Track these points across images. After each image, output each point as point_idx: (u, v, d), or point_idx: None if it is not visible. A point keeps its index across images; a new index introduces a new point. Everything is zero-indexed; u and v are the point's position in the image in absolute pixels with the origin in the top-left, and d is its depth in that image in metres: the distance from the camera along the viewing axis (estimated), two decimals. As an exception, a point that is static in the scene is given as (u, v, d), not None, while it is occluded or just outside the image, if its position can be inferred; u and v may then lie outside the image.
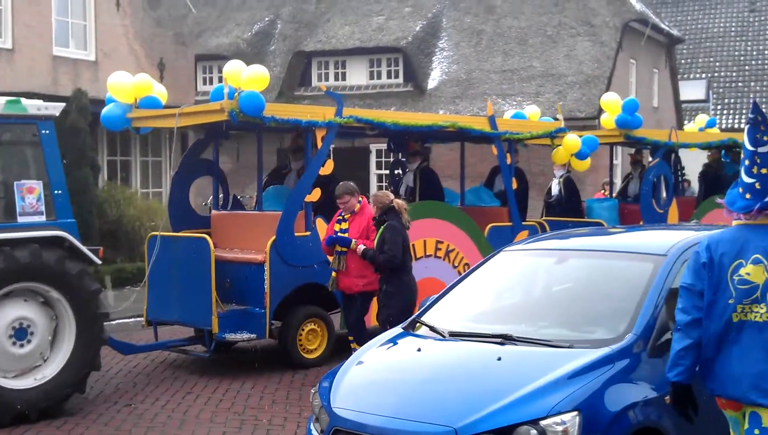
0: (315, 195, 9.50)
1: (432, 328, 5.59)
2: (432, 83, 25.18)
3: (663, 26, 27.82)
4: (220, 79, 27.09)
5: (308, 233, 9.44)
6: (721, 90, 34.63)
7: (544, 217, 13.17)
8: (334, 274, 8.65)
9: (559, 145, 12.20)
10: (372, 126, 10.08)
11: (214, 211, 10.96)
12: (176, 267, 9.34)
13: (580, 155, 12.48)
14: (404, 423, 4.60)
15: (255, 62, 28.79)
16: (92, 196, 15.03)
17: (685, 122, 32.06)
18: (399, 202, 8.31)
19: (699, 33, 36.32)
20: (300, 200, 9.43)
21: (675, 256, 5.50)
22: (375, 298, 8.64)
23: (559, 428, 4.40)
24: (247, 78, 9.18)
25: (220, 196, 11.14)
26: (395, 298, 8.00)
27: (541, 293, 5.99)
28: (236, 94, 8.89)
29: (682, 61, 34.91)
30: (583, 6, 25.13)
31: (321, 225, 9.43)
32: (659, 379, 4.87)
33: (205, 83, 27.07)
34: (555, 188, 13.41)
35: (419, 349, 5.38)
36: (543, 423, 4.41)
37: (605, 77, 23.52)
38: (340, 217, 8.67)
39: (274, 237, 9.18)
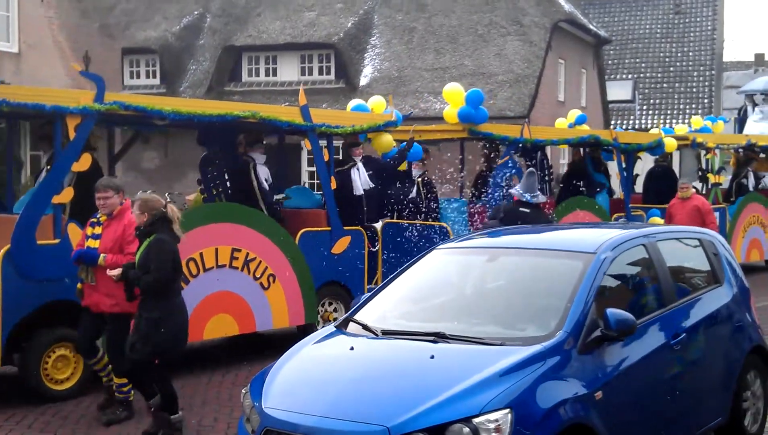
0: (66, 195, 8.01)
1: (365, 327, 5.54)
2: (364, 80, 25.17)
3: (591, 27, 28.28)
4: (148, 74, 27.19)
5: (57, 241, 7.89)
6: (646, 90, 35.41)
7: (388, 219, 11.61)
8: (79, 285, 7.35)
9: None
10: (146, 115, 8.52)
11: None
12: None
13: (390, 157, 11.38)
14: (337, 423, 4.56)
15: (184, 56, 28.54)
16: (15, 191, 14.63)
17: (612, 122, 32.68)
18: (173, 209, 6.89)
19: (625, 34, 37.07)
20: (45, 201, 7.93)
21: (604, 254, 5.57)
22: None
23: (492, 425, 4.41)
24: None
25: None
26: (166, 324, 6.65)
27: (473, 291, 5.99)
28: None
29: (609, 62, 35.59)
30: (513, 6, 25.41)
31: (74, 231, 7.86)
32: (589, 376, 4.93)
33: (132, 77, 26.66)
34: (413, 189, 12.26)
35: (352, 348, 5.33)
36: (475, 421, 4.42)
37: (535, 76, 23.82)
38: (95, 220, 7.35)
39: (7, 246, 7.64)
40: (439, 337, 5.15)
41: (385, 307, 5.90)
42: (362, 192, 10.82)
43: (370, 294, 6.10)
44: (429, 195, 12.39)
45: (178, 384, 8.43)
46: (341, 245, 10.19)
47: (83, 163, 8.09)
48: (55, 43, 19.05)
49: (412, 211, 11.67)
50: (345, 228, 10.30)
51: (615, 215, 14.08)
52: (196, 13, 27.57)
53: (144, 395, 6.97)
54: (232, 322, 9.12)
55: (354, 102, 11.79)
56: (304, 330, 9.58)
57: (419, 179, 12.31)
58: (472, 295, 5.97)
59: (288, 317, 9.64)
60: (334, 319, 9.70)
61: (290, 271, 9.55)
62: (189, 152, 18.75)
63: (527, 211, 9.72)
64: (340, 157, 11.52)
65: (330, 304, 10.24)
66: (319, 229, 10.14)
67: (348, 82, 25.16)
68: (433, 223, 11.55)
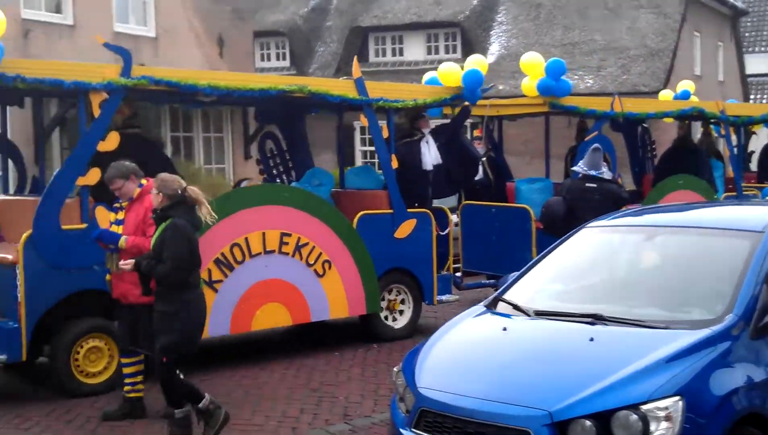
0: (92, 177, 7.46)
1: (516, 307, 5.35)
2: (491, 58, 24.69)
3: (728, -2, 27.05)
4: (278, 56, 27.55)
5: (83, 226, 7.39)
6: (787, 63, 33.66)
7: (464, 202, 11.39)
8: (108, 276, 6.82)
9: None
10: (180, 90, 7.91)
11: (0, 196, 8.86)
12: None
13: None
14: (496, 405, 4.41)
15: (312, 39, 28.81)
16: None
17: (752, 96, 31.25)
18: (194, 191, 6.25)
19: (763, 5, 35.30)
20: (68, 184, 7.44)
21: (773, 234, 5.23)
22: None
23: (661, 413, 4.18)
24: None
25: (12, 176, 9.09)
26: (181, 320, 6.05)
27: (629, 272, 5.72)
28: None
29: (747, 35, 33.98)
30: (646, -23, 24.52)
31: (102, 215, 7.33)
32: (763, 363, 4.62)
33: (263, 59, 27.05)
34: (480, 170, 11.48)
35: (505, 329, 5.16)
36: (644, 408, 4.19)
37: (670, 50, 22.97)
38: (118, 205, 6.87)
39: (29, 232, 7.20)
40: (596, 318, 4.92)
41: (535, 287, 5.70)
42: (431, 167, 9.91)
43: (518, 273, 5.90)
44: (500, 176, 11.68)
45: (322, 360, 8.54)
46: (405, 229, 9.37)
47: (110, 142, 7.49)
48: (190, 27, 19.42)
49: (477, 192, 11.25)
50: (409, 210, 9.47)
51: (725, 195, 12.99)
52: (322, -6, 27.75)
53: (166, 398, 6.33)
54: (283, 312, 8.54)
55: (428, 75, 10.70)
56: (367, 320, 9.30)
57: (483, 159, 11.41)
58: (628, 275, 5.70)
59: (347, 307, 8.98)
60: (400, 310, 9.53)
61: (348, 257, 8.89)
62: (324, 133, 19.11)
63: (594, 185, 9.38)
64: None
65: (396, 292, 9.57)
66: (380, 211, 9.37)
67: (474, 61, 24.81)
68: (513, 205, 11.13)
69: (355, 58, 9.80)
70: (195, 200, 6.20)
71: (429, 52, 25.75)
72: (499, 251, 10.79)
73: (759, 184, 14.51)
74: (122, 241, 6.51)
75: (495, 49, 25.05)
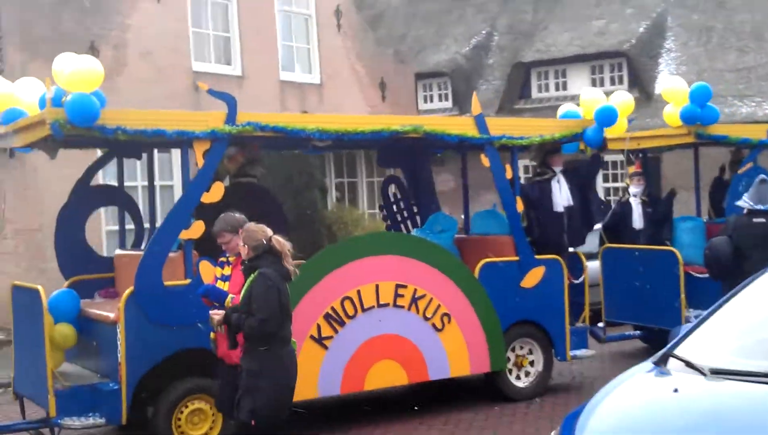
0: (195, 230, 7.25)
1: (688, 364, 4.73)
2: (659, 87, 23.78)
3: None
4: (440, 97, 27.69)
5: (187, 281, 7.22)
6: None
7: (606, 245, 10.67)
8: (212, 334, 6.45)
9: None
10: (287, 135, 7.63)
11: (117, 251, 8.84)
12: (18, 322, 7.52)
13: None
14: None
15: (473, 77, 28.71)
16: (322, 217, 15.43)
17: None
18: (279, 241, 6.00)
19: None
20: (171, 237, 7.26)
21: None
22: None
23: None
24: (73, 75, 6.87)
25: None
26: (267, 380, 5.75)
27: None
28: (64, 98, 6.80)
29: None
30: (827, -7, 22.89)
31: (207, 269, 7.11)
32: None
33: (425, 101, 27.21)
34: (636, 212, 10.67)
35: (676, 390, 4.55)
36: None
37: None
38: (224, 260, 6.64)
39: (131, 288, 7.03)
40: (786, 380, 4.30)
41: (710, 340, 5.08)
42: (563, 209, 9.34)
43: (691, 325, 5.36)
44: (654, 216, 10.79)
45: (441, 418, 8.23)
46: (533, 278, 8.80)
47: (214, 193, 7.28)
48: (353, 72, 19.84)
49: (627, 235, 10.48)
50: (538, 257, 8.88)
51: None
52: (483, 32, 27.64)
53: None
54: (399, 370, 8.06)
55: (564, 107, 9.97)
56: (492, 378, 8.74)
57: (639, 199, 10.70)
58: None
59: (469, 363, 8.41)
60: (528, 367, 8.87)
61: (469, 309, 8.37)
62: (485, 173, 18.81)
63: (762, 220, 8.54)
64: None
65: (522, 347, 8.97)
66: (505, 258, 8.77)
67: (642, 91, 23.87)
68: (658, 247, 10.26)
69: (474, 94, 9.43)
70: (280, 251, 5.97)
71: (594, 84, 25.01)
72: (645, 299, 10.17)
73: None
74: (229, 300, 6.14)
75: (664, 77, 24.02)
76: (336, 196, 19.11)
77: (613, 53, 24.53)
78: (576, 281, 9.36)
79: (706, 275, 9.98)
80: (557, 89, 25.58)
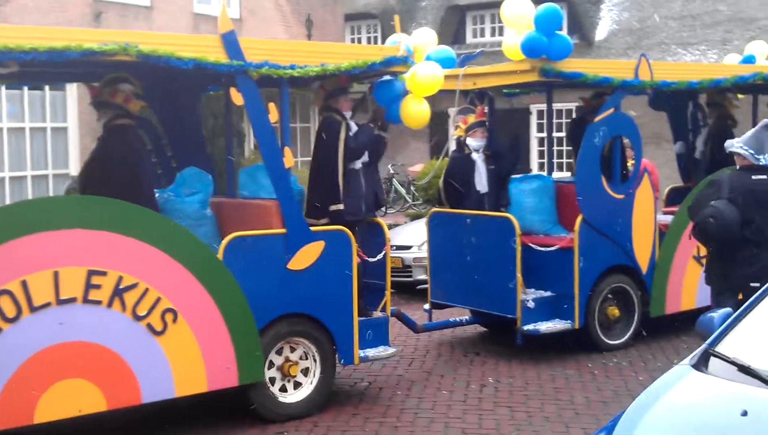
0: None
1: (749, 371, 3.64)
2: (600, 34, 22.26)
3: None
4: (369, 40, 25.66)
5: None
6: None
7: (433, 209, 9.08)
8: None
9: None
10: None
11: None
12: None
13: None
14: None
15: (405, 20, 26.84)
16: (237, 166, 14.15)
17: None
18: None
19: None
20: None
21: None
22: None
23: None
24: None
25: None
26: None
27: None
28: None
29: None
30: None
31: None
32: None
33: (353, 43, 25.40)
34: (479, 171, 8.67)
35: (745, 413, 3.41)
36: None
37: (807, 19, 19.51)
38: None
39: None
40: None
41: (765, 334, 3.98)
42: (360, 165, 7.36)
43: (736, 313, 4.20)
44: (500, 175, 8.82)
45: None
46: (307, 257, 6.58)
47: None
48: (277, 7, 18.63)
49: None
50: (316, 228, 6.77)
51: None
52: (420, -28, 25.71)
53: None
54: (92, 392, 5.72)
55: (393, 37, 7.79)
56: (246, 393, 6.49)
57: (482, 154, 8.71)
58: None
59: (206, 377, 6.15)
60: (302, 371, 6.70)
61: (208, 302, 6.12)
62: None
63: (764, 177, 6.54)
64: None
65: (294, 349, 6.72)
66: (266, 231, 6.51)
67: (583, 38, 22.23)
68: (492, 213, 8.46)
69: (223, 5, 7.39)
70: None
71: (534, 31, 23.22)
72: (476, 278, 8.45)
73: None
74: None
75: (606, 24, 22.36)
76: (255, 143, 17.62)
77: (554, -3, 22.71)
78: (372, 260, 7.33)
79: (551, 248, 8.35)
80: (493, 35, 23.74)
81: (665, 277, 8.83)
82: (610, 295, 8.59)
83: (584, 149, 8.36)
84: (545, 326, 8.19)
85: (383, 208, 21.73)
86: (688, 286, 9.00)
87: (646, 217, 8.70)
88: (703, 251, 8.87)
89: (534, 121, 21.54)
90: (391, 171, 21.58)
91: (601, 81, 8.32)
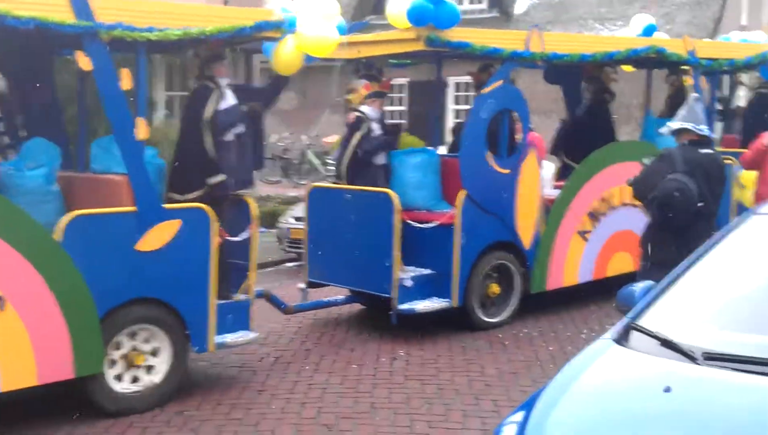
0: None
1: (669, 344, 3.46)
2: (519, 8, 22.19)
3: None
4: None
5: None
6: None
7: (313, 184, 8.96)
8: None
9: None
10: None
11: None
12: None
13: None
14: None
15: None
16: None
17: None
18: None
19: None
20: None
21: None
22: None
23: None
24: None
25: None
26: None
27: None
28: None
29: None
30: None
31: None
32: None
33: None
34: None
35: (668, 389, 3.23)
36: None
37: (719, -3, 19.68)
38: None
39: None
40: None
41: (688, 308, 3.81)
42: (233, 137, 6.93)
43: (659, 285, 4.01)
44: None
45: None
46: (158, 237, 6.09)
47: None
48: None
49: None
50: (170, 206, 6.34)
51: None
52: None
53: None
54: None
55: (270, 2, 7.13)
56: (85, 385, 5.97)
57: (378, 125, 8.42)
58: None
59: (36, 369, 5.60)
60: (148, 365, 6.21)
61: (41, 287, 5.56)
62: (328, 92, 16.76)
63: (709, 151, 6.56)
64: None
65: (139, 336, 6.22)
66: (110, 210, 6.00)
67: (502, 11, 22.13)
68: (372, 188, 8.10)
69: None
70: None
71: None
72: (353, 255, 8.14)
73: (739, 150, 10.01)
74: None
75: (521, -1, 22.27)
76: (165, 113, 16.94)
77: (474, -33, 22.48)
78: (236, 239, 6.88)
79: (430, 225, 8.08)
80: (413, 5, 23.38)
81: (548, 253, 8.64)
82: (491, 272, 8.36)
83: (470, 122, 8.13)
84: (422, 305, 7.91)
85: (296, 179, 21.48)
86: (571, 262, 8.84)
87: (531, 192, 8.49)
88: (589, 227, 8.80)
89: (451, 93, 21.33)
90: (306, 142, 21.17)
91: (490, 52, 8.09)
